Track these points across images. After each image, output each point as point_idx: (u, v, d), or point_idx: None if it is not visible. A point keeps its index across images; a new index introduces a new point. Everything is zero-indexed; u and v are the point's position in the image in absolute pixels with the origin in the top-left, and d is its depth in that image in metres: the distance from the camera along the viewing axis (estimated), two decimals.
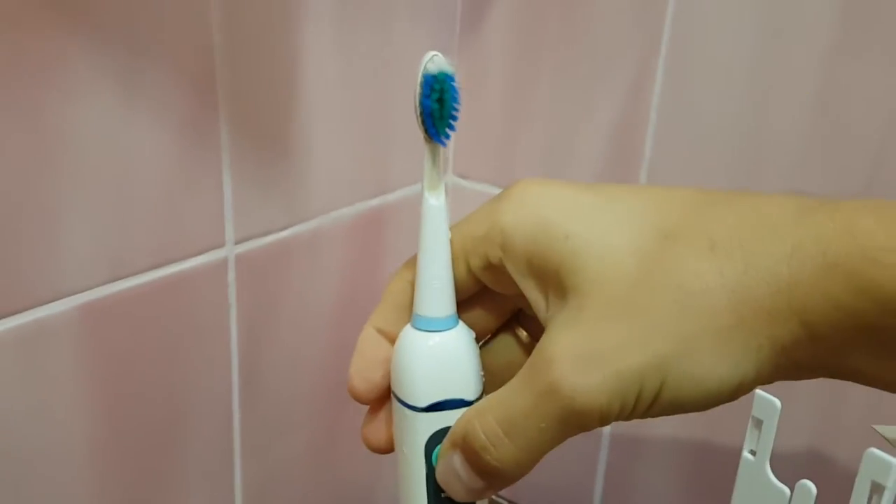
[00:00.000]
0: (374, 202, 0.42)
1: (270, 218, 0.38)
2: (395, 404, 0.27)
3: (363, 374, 0.28)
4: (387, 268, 0.44)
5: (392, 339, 0.27)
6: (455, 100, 0.24)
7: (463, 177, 0.47)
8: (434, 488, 0.27)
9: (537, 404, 0.23)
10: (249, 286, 0.38)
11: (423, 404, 0.26)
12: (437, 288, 0.26)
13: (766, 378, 0.23)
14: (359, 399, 0.29)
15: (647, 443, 0.44)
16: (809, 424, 0.38)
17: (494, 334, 0.31)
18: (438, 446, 0.26)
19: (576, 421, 0.23)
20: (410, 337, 0.26)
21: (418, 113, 0.24)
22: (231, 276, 0.37)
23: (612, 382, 0.22)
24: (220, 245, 0.36)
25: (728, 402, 0.24)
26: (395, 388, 0.27)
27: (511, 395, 0.24)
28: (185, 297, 0.35)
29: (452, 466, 0.25)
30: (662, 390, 0.23)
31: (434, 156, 0.25)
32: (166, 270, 0.34)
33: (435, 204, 0.25)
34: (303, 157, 0.38)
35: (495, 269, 0.26)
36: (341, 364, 0.43)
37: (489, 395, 0.25)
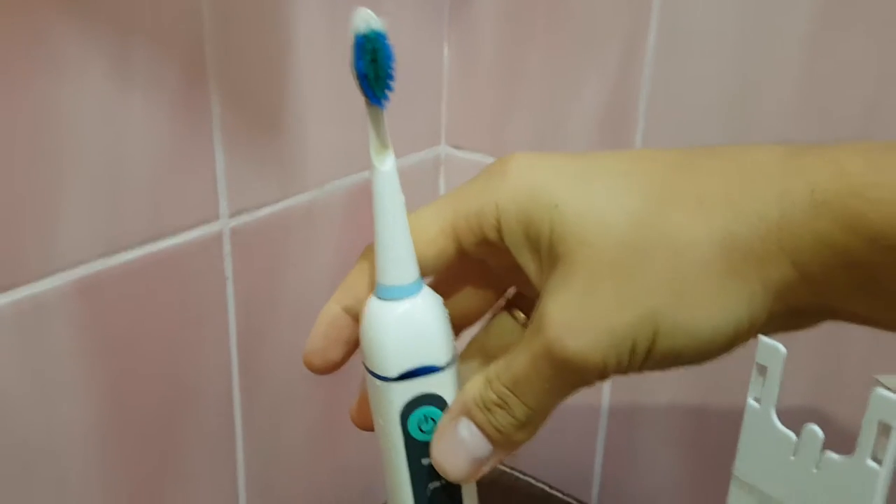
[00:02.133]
0: (368, 174, 0.42)
1: (264, 191, 0.37)
2: (367, 377, 0.27)
3: (322, 354, 0.28)
4: None
5: (356, 316, 0.27)
6: (389, 59, 0.23)
7: (456, 147, 0.46)
8: (414, 456, 0.27)
9: (537, 366, 0.23)
10: (246, 259, 0.38)
11: (394, 374, 0.26)
12: (396, 255, 0.26)
13: (760, 326, 0.23)
14: (315, 373, 0.29)
15: (646, 411, 0.44)
16: (812, 374, 0.38)
17: (492, 318, 0.31)
18: (413, 414, 0.26)
19: (575, 378, 0.23)
20: (375, 308, 0.26)
21: (354, 76, 0.23)
22: (227, 248, 0.37)
23: (604, 340, 0.22)
24: (215, 218, 0.36)
25: (724, 352, 0.24)
26: (365, 360, 0.27)
27: (515, 359, 0.24)
28: (181, 270, 0.35)
29: (457, 436, 0.25)
30: (656, 343, 0.23)
31: (376, 120, 0.24)
32: (161, 244, 0.34)
33: (384, 170, 0.25)
34: (294, 130, 0.38)
35: (490, 244, 0.26)
36: None
37: (493, 364, 0.25)
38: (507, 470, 0.44)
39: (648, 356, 0.23)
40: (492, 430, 0.25)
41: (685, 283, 0.22)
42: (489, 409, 0.24)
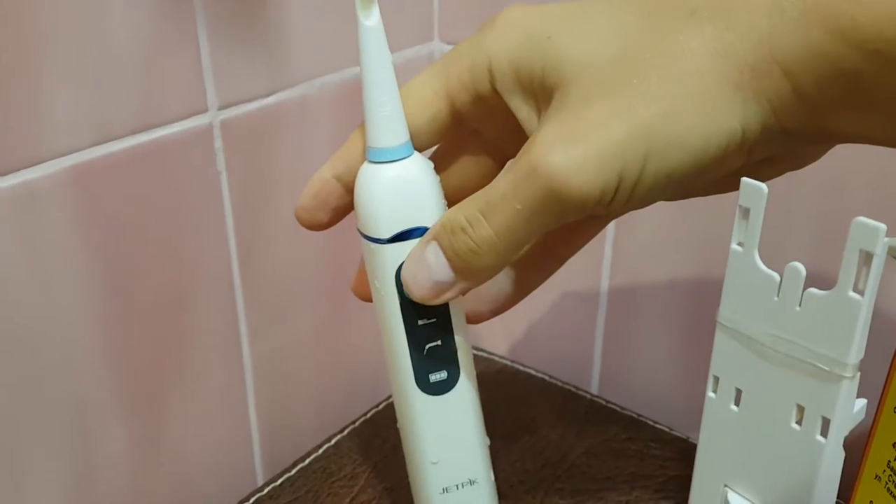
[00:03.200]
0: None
1: (253, 84, 0.37)
2: (363, 242, 0.27)
3: (311, 214, 0.28)
4: None
5: (349, 187, 0.27)
6: None
7: (450, 43, 0.46)
8: (411, 317, 0.27)
9: (516, 185, 0.23)
10: (239, 154, 0.38)
11: (388, 235, 0.26)
12: (386, 115, 0.25)
13: (753, 140, 0.23)
14: (306, 227, 0.29)
15: (645, 297, 0.44)
16: (807, 225, 0.38)
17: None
18: None
19: (555, 203, 0.22)
20: (366, 171, 0.26)
21: None
22: (218, 142, 0.37)
23: (593, 157, 0.22)
24: (203, 110, 0.36)
25: (716, 167, 0.23)
26: (359, 224, 0.27)
27: (493, 184, 0.24)
28: (173, 162, 0.35)
29: (423, 257, 0.25)
30: (648, 160, 0.22)
31: None
32: (151, 135, 0.34)
33: (369, 24, 0.25)
34: (281, 21, 0.38)
35: (484, 101, 0.26)
36: (338, 231, 0.43)
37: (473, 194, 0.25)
38: (508, 363, 0.45)
39: (638, 182, 0.22)
40: (452, 255, 0.24)
41: (677, 93, 0.22)
42: (453, 233, 0.24)
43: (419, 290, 0.26)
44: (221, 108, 0.36)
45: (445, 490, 0.29)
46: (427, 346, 0.27)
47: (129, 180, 0.34)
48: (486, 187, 0.24)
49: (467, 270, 0.25)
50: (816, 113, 0.22)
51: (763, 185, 0.23)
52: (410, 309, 0.27)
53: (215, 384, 0.40)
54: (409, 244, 0.26)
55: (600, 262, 0.44)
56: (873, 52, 0.20)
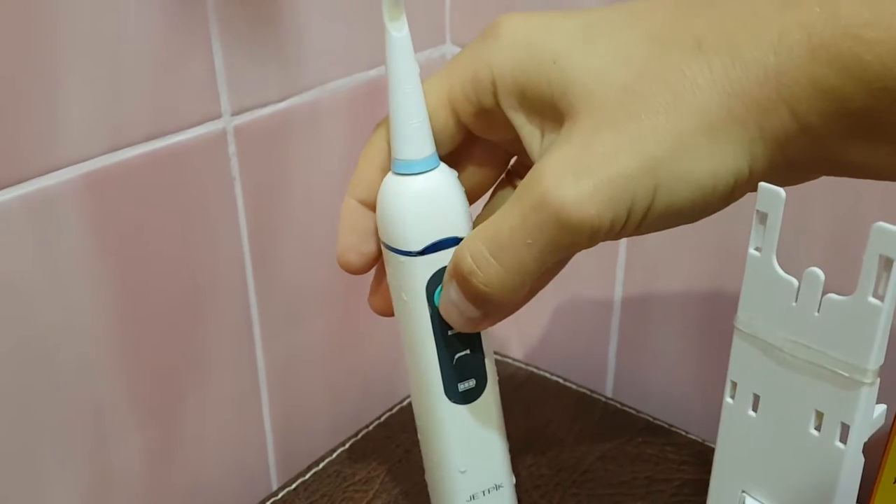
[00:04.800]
0: (373, 73, 0.42)
1: (266, 89, 0.37)
2: (388, 254, 0.27)
3: (355, 250, 0.28)
4: None
5: (374, 207, 0.27)
6: None
7: (462, 46, 0.46)
8: (440, 329, 0.27)
9: (525, 218, 0.23)
10: (252, 159, 0.38)
11: (419, 248, 0.26)
12: (413, 127, 0.25)
13: (760, 175, 0.23)
14: (353, 272, 0.29)
15: (659, 300, 0.44)
16: (825, 230, 0.37)
17: (494, 193, 0.30)
18: (440, 287, 0.26)
19: (565, 236, 0.22)
20: (394, 183, 0.26)
21: None
22: (232, 148, 0.37)
23: (603, 191, 0.22)
24: (217, 116, 0.36)
25: (722, 204, 0.24)
26: (386, 238, 0.27)
27: (500, 216, 0.24)
28: (187, 169, 0.35)
29: (450, 297, 0.25)
30: (656, 195, 0.22)
31: None
32: (165, 141, 0.34)
33: (398, 36, 0.24)
34: (294, 26, 0.38)
35: (487, 113, 0.26)
36: None
37: (479, 225, 0.25)
38: (522, 366, 0.44)
39: (647, 211, 0.23)
40: (469, 297, 0.25)
41: (685, 129, 0.22)
42: (464, 278, 0.24)
43: (456, 326, 0.26)
44: (235, 113, 0.36)
45: (473, 497, 0.29)
46: (456, 356, 0.27)
47: (143, 186, 0.34)
48: (492, 219, 0.24)
49: (489, 306, 0.25)
50: (823, 146, 0.22)
51: (781, 191, 0.23)
52: (440, 320, 0.27)
53: (230, 389, 0.40)
54: (440, 255, 0.26)
55: (614, 265, 0.44)
56: (881, 90, 0.20)
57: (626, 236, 0.24)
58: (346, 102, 0.41)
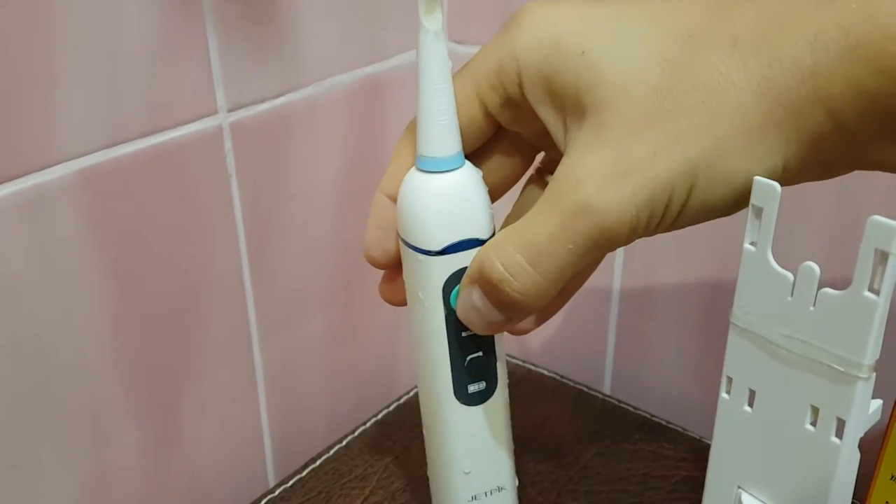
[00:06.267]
0: (370, 69, 0.42)
1: (263, 85, 0.37)
2: (406, 251, 0.27)
3: (380, 245, 0.28)
4: (388, 138, 0.44)
5: None
6: None
7: (460, 42, 0.46)
8: (454, 329, 0.27)
9: (566, 226, 0.23)
10: (249, 155, 0.38)
11: (438, 248, 0.26)
12: (442, 124, 0.25)
13: (793, 175, 0.23)
14: (376, 266, 0.29)
15: (657, 296, 0.44)
16: (821, 224, 0.37)
17: (523, 189, 0.30)
18: (457, 288, 0.26)
19: (605, 238, 0.23)
20: (418, 180, 0.26)
21: None
22: (228, 144, 0.37)
23: (642, 193, 0.22)
24: (213, 112, 0.36)
25: None
26: (405, 234, 0.26)
27: (533, 221, 0.23)
28: (183, 165, 0.35)
29: (471, 302, 0.25)
30: (692, 195, 0.23)
31: None
32: (161, 137, 0.34)
33: (432, 30, 0.24)
34: (290, 23, 0.38)
35: (514, 104, 0.26)
36: (350, 234, 0.44)
37: (505, 229, 0.25)
38: (520, 363, 0.44)
39: (683, 209, 0.23)
40: (497, 303, 0.24)
41: (721, 131, 0.22)
42: (494, 286, 0.24)
43: (476, 329, 0.26)
44: (231, 110, 0.36)
45: (474, 498, 0.29)
46: (469, 358, 0.27)
47: (139, 183, 0.34)
48: (520, 224, 0.24)
49: (517, 312, 0.25)
50: (857, 146, 0.22)
51: (776, 185, 0.23)
52: (455, 320, 0.26)
53: (227, 386, 0.40)
54: (460, 256, 0.26)
55: (612, 261, 0.44)
56: None
57: (661, 232, 0.24)
58: (342, 99, 0.41)
